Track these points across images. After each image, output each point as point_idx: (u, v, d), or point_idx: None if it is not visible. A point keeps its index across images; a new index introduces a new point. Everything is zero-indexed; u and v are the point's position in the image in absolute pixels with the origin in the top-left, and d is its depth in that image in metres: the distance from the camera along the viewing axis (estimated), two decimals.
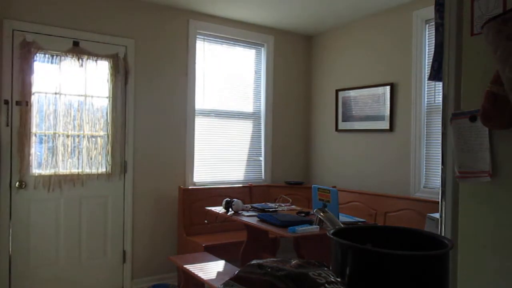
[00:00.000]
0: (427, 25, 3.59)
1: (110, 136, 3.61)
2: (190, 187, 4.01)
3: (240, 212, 3.30)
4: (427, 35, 3.60)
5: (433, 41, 1.51)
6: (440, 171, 1.36)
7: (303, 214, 3.24)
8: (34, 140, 3.29)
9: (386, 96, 3.92)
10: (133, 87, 3.73)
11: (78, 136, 3.48)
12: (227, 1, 3.78)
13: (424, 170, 3.62)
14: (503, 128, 1.12)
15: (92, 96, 3.55)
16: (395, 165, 3.83)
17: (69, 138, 3.44)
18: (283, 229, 2.76)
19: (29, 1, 3.26)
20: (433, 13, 1.49)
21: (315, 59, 4.82)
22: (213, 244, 3.62)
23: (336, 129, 4.46)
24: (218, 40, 4.27)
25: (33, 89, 3.26)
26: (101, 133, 3.60)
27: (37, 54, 3.28)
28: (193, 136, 4.08)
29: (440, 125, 1.37)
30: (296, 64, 4.80)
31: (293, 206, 3.68)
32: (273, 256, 3.72)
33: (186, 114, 4.03)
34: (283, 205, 3.66)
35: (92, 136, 3.54)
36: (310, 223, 2.84)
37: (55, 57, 3.37)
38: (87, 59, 3.51)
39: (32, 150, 3.28)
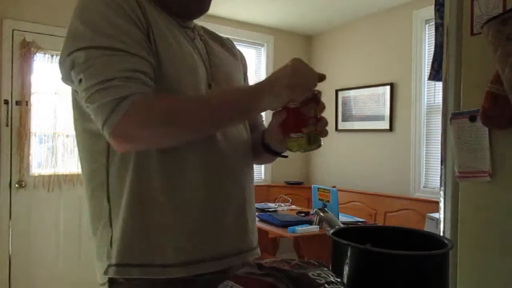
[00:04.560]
0: (427, 25, 3.59)
1: None
2: None
3: None
4: (427, 35, 3.60)
5: (433, 41, 1.51)
6: (440, 171, 1.36)
7: (303, 214, 3.24)
8: (34, 140, 3.29)
9: (386, 96, 3.92)
10: None
11: None
12: (227, 1, 3.78)
13: (424, 170, 3.62)
14: (503, 128, 1.12)
15: None
16: (395, 165, 3.83)
17: (69, 138, 3.44)
18: (283, 229, 2.76)
19: (29, 1, 3.26)
20: (433, 13, 1.49)
21: (315, 59, 4.82)
22: None
23: (336, 129, 4.46)
24: None
25: (33, 89, 3.26)
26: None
27: (37, 54, 3.28)
28: None
29: (440, 125, 1.37)
30: None
31: (293, 206, 3.68)
32: (273, 256, 3.72)
33: None
34: (283, 205, 3.66)
35: None
36: (310, 223, 2.84)
37: (55, 57, 3.36)
38: None
39: (32, 150, 3.28)
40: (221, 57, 1.02)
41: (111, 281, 0.85)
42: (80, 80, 0.77)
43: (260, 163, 1.15)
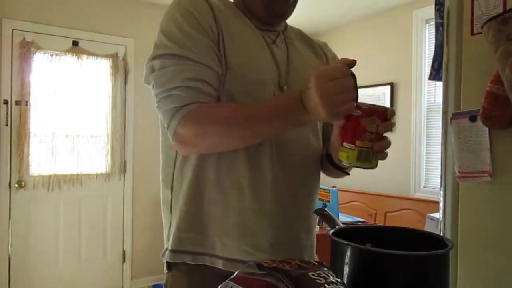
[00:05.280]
0: (427, 25, 3.59)
1: (109, 136, 3.61)
2: None
3: None
4: (427, 35, 3.60)
5: (433, 41, 1.51)
6: (440, 171, 1.36)
7: None
8: (33, 140, 3.29)
9: (386, 96, 3.92)
10: (133, 87, 3.73)
11: (78, 136, 3.48)
12: None
13: (424, 170, 3.62)
14: (503, 128, 1.11)
15: (91, 96, 3.55)
16: (395, 165, 3.83)
17: (69, 138, 3.44)
18: None
19: (28, 1, 3.26)
20: (433, 12, 1.49)
21: None
22: None
23: None
24: None
25: (33, 89, 3.26)
26: (101, 133, 3.59)
27: (37, 54, 3.28)
28: None
29: (440, 125, 1.37)
30: None
31: None
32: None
33: None
34: None
35: (92, 136, 3.54)
36: None
37: (54, 56, 3.37)
38: (86, 58, 3.51)
39: (32, 150, 3.28)
40: (303, 62, 1.02)
41: (168, 263, 0.95)
42: (153, 86, 0.87)
43: (331, 176, 1.10)
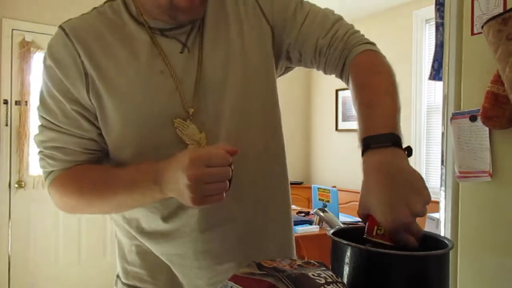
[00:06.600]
0: (427, 25, 3.59)
1: None
2: None
3: None
4: (427, 35, 3.60)
5: (433, 41, 1.51)
6: (440, 171, 1.36)
7: (303, 214, 3.24)
8: (33, 140, 3.28)
9: None
10: None
11: None
12: None
13: (424, 170, 3.62)
14: (504, 128, 1.12)
15: None
16: None
17: None
18: None
19: (28, 1, 3.26)
20: (433, 12, 1.49)
21: None
22: None
23: (336, 129, 4.46)
24: None
25: (33, 89, 3.26)
26: None
27: (37, 54, 3.28)
28: None
29: (440, 125, 1.37)
30: None
31: (293, 206, 3.68)
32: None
33: None
34: None
35: None
36: (310, 223, 2.84)
37: None
38: None
39: (31, 150, 3.28)
40: (217, 60, 0.79)
41: None
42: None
43: None
